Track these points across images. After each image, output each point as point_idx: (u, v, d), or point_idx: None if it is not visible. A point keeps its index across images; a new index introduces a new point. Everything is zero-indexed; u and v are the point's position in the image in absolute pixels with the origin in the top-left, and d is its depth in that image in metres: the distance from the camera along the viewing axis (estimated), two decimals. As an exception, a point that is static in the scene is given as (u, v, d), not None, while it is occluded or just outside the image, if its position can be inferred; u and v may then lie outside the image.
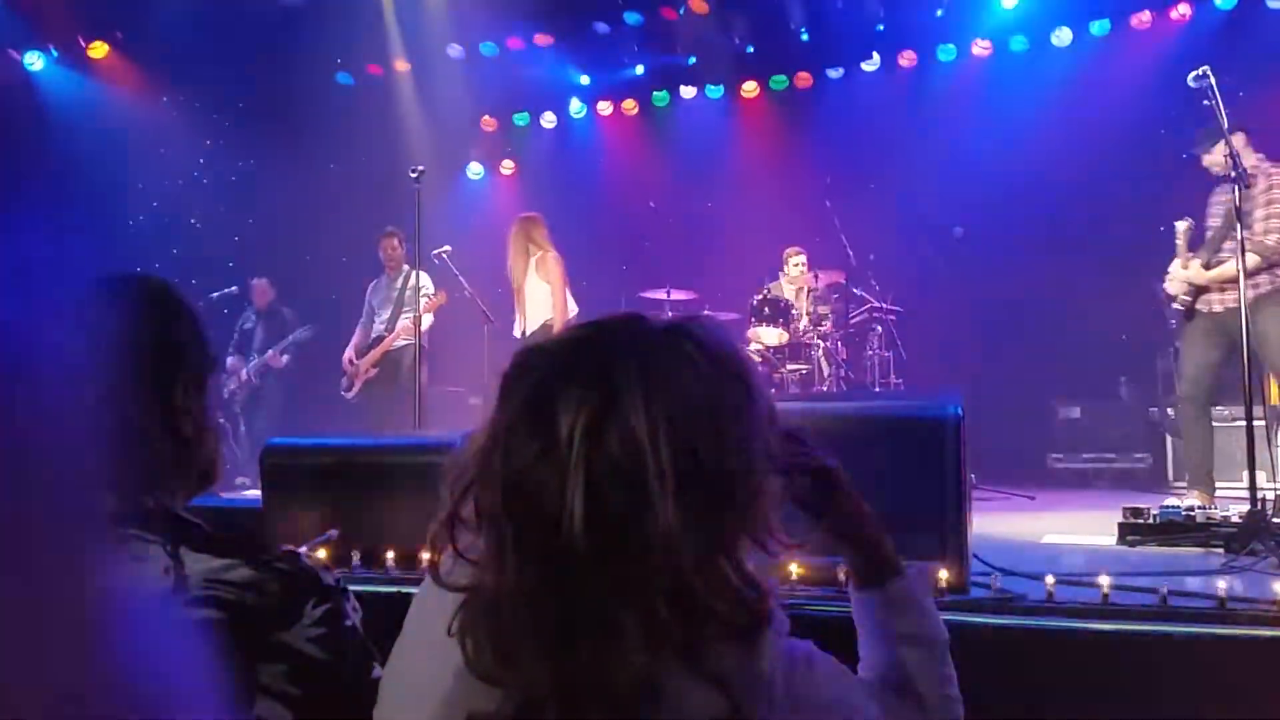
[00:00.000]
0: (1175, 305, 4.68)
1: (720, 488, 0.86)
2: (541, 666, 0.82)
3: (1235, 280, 3.72)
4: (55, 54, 7.86)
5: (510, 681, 0.83)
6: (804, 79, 8.33)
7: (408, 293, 6.42)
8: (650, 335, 0.92)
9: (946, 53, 7.93)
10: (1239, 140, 4.43)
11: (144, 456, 1.12)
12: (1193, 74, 3.42)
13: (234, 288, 7.48)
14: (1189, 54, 6.40)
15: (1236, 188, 3.56)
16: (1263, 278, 4.44)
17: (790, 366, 6.50)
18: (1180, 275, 4.63)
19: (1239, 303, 3.61)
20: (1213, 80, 3.43)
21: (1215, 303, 4.54)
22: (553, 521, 0.82)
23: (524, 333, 5.92)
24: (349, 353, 6.50)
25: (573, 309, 5.91)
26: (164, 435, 1.15)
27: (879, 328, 6.71)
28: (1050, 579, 2.16)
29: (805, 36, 8.08)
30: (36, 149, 7.66)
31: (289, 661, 1.04)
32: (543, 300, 5.83)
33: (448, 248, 6.22)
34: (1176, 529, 3.27)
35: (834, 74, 8.26)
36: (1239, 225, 3.54)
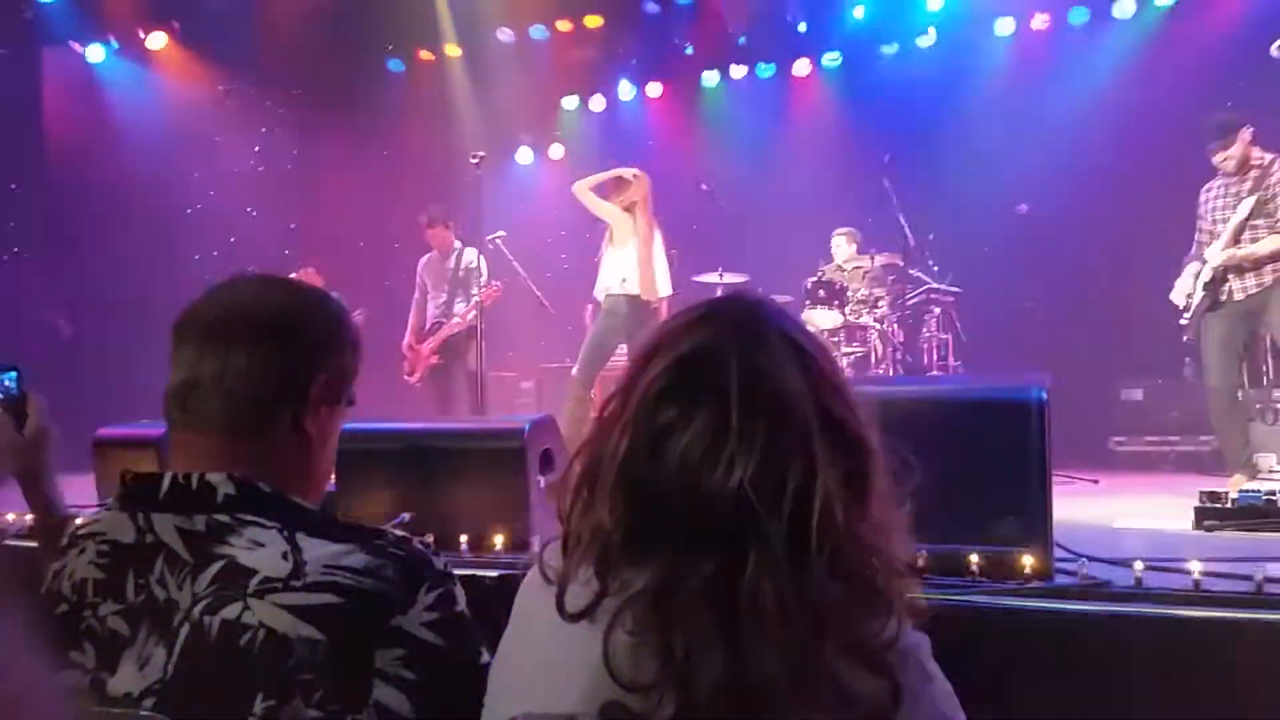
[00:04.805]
0: (1186, 313, 4.83)
1: (856, 450, 0.86)
2: (706, 662, 0.80)
3: (1257, 265, 4.37)
4: (115, 45, 7.98)
5: (666, 682, 0.81)
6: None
7: (461, 273, 6.42)
8: (771, 307, 0.95)
9: (1004, 26, 7.76)
10: (1246, 134, 4.57)
11: (266, 441, 1.13)
12: (1277, 43, 3.30)
13: (292, 275, 7.57)
14: (1262, 23, 6.20)
15: None
16: None
17: (845, 349, 6.44)
18: (1217, 259, 4.71)
19: (1259, 288, 4.35)
20: (1298, 49, 3.32)
21: (1236, 291, 4.64)
22: (710, 489, 0.81)
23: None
24: (408, 337, 6.51)
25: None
26: (289, 425, 1.16)
27: (937, 309, 6.62)
28: (1139, 564, 2.11)
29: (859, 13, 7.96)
30: (98, 141, 7.81)
31: (406, 646, 1.04)
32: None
33: (502, 233, 6.23)
34: (1257, 513, 3.17)
35: (889, 50, 8.12)
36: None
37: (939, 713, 0.88)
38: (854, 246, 6.98)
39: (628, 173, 5.80)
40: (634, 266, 5.58)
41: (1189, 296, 4.83)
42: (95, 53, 7.95)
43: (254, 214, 8.36)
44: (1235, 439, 4.67)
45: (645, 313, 5.56)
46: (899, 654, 0.84)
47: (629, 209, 5.70)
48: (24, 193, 7.28)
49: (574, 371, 5.61)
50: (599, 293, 5.74)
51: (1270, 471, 5.26)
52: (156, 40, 7.98)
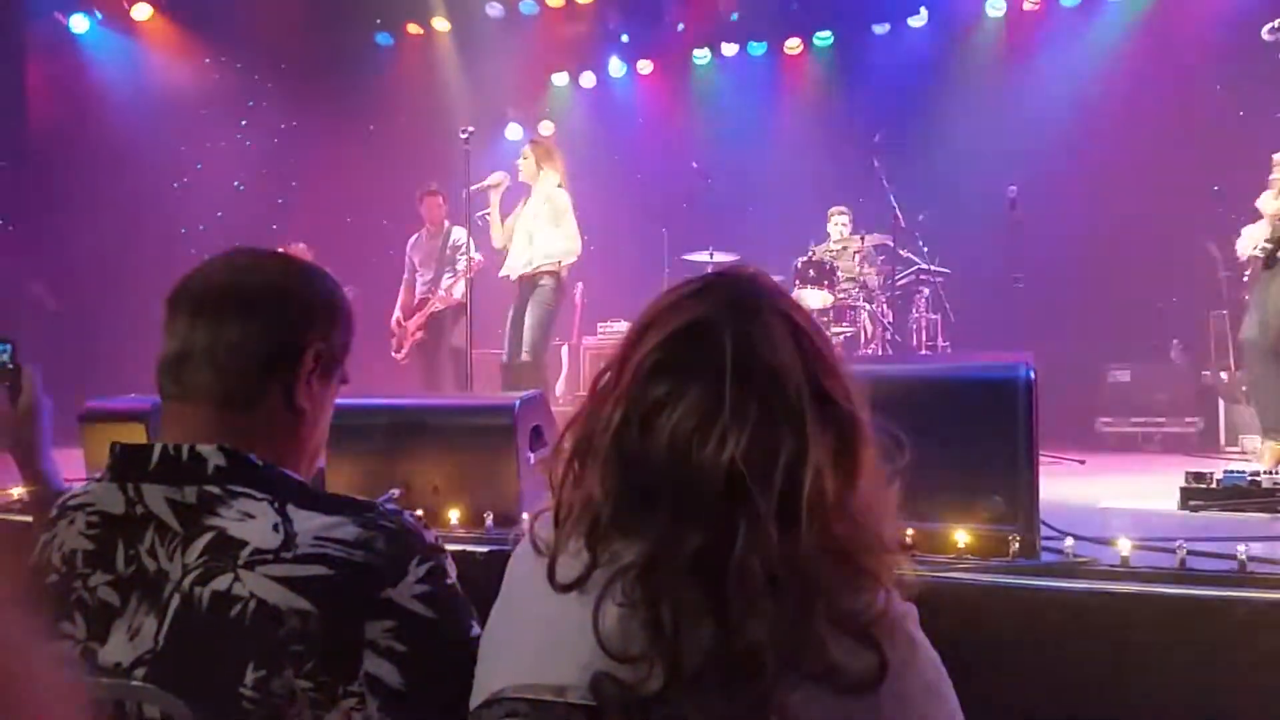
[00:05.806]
0: (1256, 252, 4.48)
1: (847, 426, 0.87)
2: (695, 634, 0.80)
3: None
4: (99, 16, 7.88)
5: (656, 654, 0.81)
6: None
7: (447, 251, 6.39)
8: (765, 282, 0.95)
9: (996, 7, 7.74)
10: None
11: (257, 414, 1.13)
12: (1268, 26, 3.30)
13: (279, 251, 7.52)
14: (1253, 5, 6.21)
15: None
16: None
17: (835, 329, 6.44)
18: (1272, 208, 4.45)
19: None
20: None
21: None
22: (702, 463, 0.81)
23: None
24: (397, 314, 6.50)
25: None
26: (280, 398, 1.15)
27: (926, 290, 6.63)
28: (1125, 543, 2.12)
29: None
30: (83, 113, 7.73)
31: (396, 618, 1.04)
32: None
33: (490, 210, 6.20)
34: (1242, 494, 3.20)
35: (880, 29, 8.09)
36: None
37: (925, 681, 0.88)
38: (847, 225, 6.98)
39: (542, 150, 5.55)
40: (574, 242, 5.45)
41: (1256, 248, 4.50)
42: (79, 23, 7.85)
43: (241, 188, 8.31)
44: (1272, 401, 4.35)
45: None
46: (886, 623, 0.85)
47: (560, 185, 5.52)
48: (9, 165, 7.21)
49: (525, 356, 5.23)
50: (537, 265, 5.38)
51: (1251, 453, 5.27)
52: (141, 11, 7.89)
